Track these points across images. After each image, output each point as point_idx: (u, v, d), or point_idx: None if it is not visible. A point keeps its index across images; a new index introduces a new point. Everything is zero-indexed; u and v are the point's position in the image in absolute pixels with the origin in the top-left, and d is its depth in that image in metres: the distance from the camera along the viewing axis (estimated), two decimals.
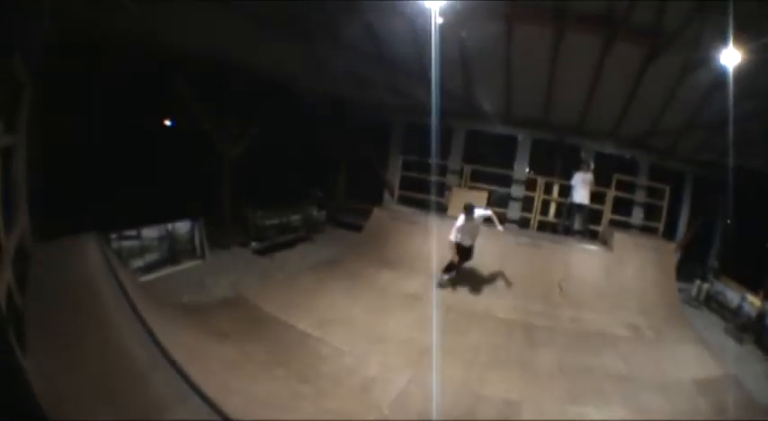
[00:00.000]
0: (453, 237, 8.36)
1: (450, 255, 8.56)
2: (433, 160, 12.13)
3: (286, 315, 7.26)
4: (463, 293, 8.65)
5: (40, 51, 5.29)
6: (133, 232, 8.55)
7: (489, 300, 8.48)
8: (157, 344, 4.38)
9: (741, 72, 8.09)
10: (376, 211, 11.52)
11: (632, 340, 7.56)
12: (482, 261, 9.25)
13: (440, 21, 8.14)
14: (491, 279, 9.07)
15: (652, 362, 6.83)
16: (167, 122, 13.10)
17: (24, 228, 5.07)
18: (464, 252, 8.64)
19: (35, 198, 5.64)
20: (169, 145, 12.07)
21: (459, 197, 11.59)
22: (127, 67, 8.70)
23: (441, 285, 8.75)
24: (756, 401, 6.03)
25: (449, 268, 8.80)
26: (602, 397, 5.69)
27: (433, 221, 10.36)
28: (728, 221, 11.43)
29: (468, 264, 9.05)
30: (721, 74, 8.33)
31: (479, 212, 8.59)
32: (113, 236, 8.00)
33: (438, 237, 9.42)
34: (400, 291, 8.52)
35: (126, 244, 8.29)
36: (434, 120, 9.56)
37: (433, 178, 12.41)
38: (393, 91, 11.91)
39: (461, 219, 8.34)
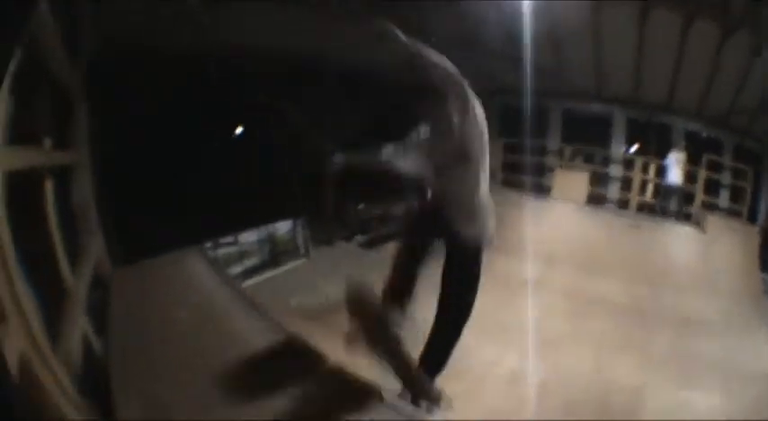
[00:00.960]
0: None
1: None
2: (531, 142, 11.72)
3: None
4: (578, 276, 9.06)
5: (91, 55, 4.91)
6: (230, 239, 8.11)
7: (602, 283, 8.95)
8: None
9: None
10: None
11: (726, 327, 8.12)
12: (591, 241, 9.84)
13: None
14: (600, 260, 9.48)
15: (744, 352, 7.40)
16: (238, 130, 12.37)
17: (100, 257, 4.64)
18: None
19: (111, 220, 5.28)
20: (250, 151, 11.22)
21: (562, 178, 11.95)
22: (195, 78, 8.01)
23: None
24: None
25: None
26: (707, 383, 6.45)
27: (538, 206, 10.65)
28: None
29: (579, 245, 9.67)
30: None
31: None
32: (208, 245, 7.65)
33: (546, 221, 10.05)
34: (517, 277, 8.54)
35: (222, 251, 7.92)
36: (528, 99, 9.46)
37: (535, 160, 12.37)
38: (486, 75, 12.25)
39: None
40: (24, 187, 3.53)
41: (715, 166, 12.07)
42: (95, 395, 3.17)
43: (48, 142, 4.02)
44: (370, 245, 10.49)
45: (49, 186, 3.81)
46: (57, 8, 3.92)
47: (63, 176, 4.25)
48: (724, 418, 5.91)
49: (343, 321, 6.56)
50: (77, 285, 3.73)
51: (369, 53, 10.46)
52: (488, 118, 13.16)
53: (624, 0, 9.45)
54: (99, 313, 4.03)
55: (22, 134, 3.63)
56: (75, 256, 4.00)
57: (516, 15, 8.56)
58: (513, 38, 9.71)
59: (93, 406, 3.06)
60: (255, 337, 4.41)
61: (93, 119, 4.89)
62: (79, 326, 3.42)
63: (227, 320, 4.65)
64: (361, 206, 10.53)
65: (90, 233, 4.52)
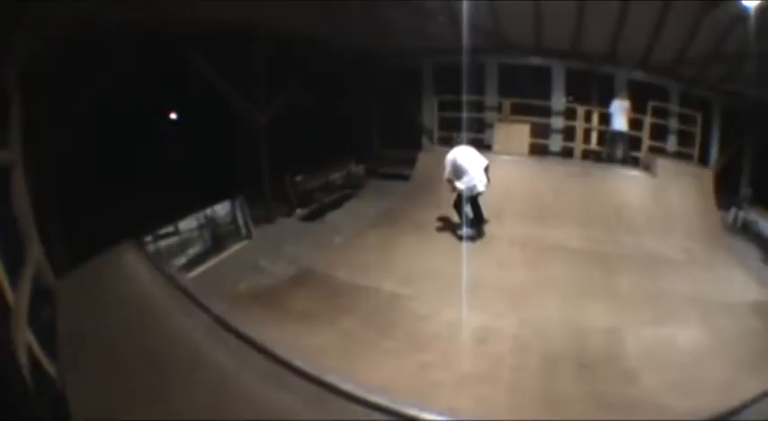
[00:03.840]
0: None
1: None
2: (468, 97, 12.12)
3: (365, 278, 7.05)
4: (530, 228, 8.89)
5: (23, 54, 4.65)
6: (170, 228, 7.76)
7: (556, 231, 8.80)
8: (247, 342, 3.70)
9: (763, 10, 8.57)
10: (421, 156, 11.44)
11: (690, 263, 8.09)
12: (537, 192, 9.60)
13: None
14: (551, 210, 9.34)
15: (711, 284, 7.34)
16: (173, 115, 12.37)
17: (40, 264, 4.33)
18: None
19: (47, 221, 5.13)
20: (193, 127, 11.59)
21: (502, 131, 11.95)
22: (130, 58, 7.94)
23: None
24: None
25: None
26: (682, 318, 6.24)
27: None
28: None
29: (526, 196, 9.43)
30: (744, 9, 8.79)
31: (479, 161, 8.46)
32: (148, 238, 7.25)
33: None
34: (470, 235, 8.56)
35: (163, 243, 7.57)
36: (465, 54, 9.61)
37: (472, 115, 12.52)
38: (419, 34, 11.83)
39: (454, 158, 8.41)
40: None
41: (661, 113, 12.20)
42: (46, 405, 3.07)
43: None
44: (312, 217, 10.51)
45: None
46: None
47: (3, 179, 4.12)
48: (707, 348, 5.67)
49: (298, 298, 6.57)
50: (19, 302, 3.52)
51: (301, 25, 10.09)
52: (425, 76, 13.11)
53: None
54: (45, 324, 3.83)
55: None
56: (15, 267, 3.79)
57: None
58: None
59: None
60: (197, 334, 3.96)
61: (26, 117, 4.65)
62: (23, 339, 3.24)
63: (167, 319, 4.20)
64: (298, 178, 10.62)
65: (28, 239, 4.30)
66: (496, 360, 5.26)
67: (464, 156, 8.37)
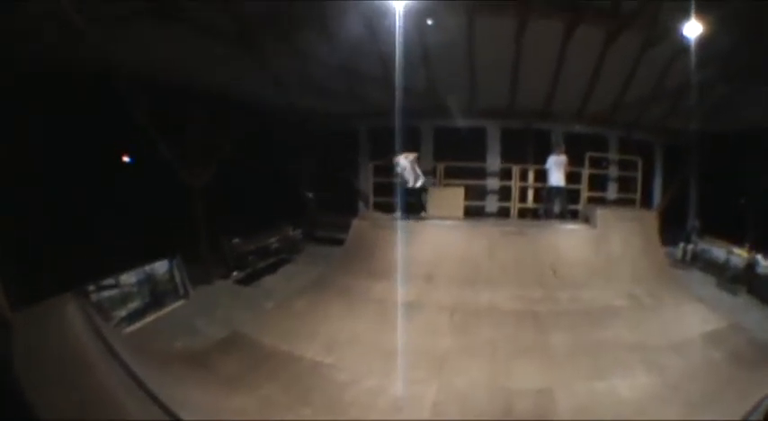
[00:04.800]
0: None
1: None
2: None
3: (290, 345, 7.03)
4: (462, 291, 8.53)
5: None
6: (111, 280, 8.02)
7: (489, 293, 8.43)
8: (165, 408, 4.04)
9: (702, 40, 8.72)
10: (356, 222, 11.21)
11: (634, 309, 7.79)
12: (471, 254, 9.25)
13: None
14: (485, 272, 8.99)
15: (658, 325, 7.11)
16: (126, 158, 12.51)
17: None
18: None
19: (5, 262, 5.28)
20: (133, 181, 11.50)
21: (436, 196, 11.71)
22: (77, 98, 8.34)
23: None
24: (765, 343, 6.52)
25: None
26: (624, 367, 5.88)
27: (414, 225, 10.26)
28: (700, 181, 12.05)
29: (459, 259, 9.18)
30: (682, 44, 8.97)
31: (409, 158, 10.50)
32: (91, 288, 7.58)
33: (424, 239, 9.59)
34: (398, 301, 8.24)
35: (105, 294, 7.84)
36: (398, 120, 9.86)
37: None
38: (355, 97, 12.03)
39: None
40: None
41: (599, 162, 12.25)
42: None
43: None
44: (247, 281, 10.37)
45: None
46: None
47: None
48: (653, 394, 5.35)
49: (225, 362, 6.50)
50: None
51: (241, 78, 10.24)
52: (361, 139, 13.19)
53: (499, 15, 9.55)
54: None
55: None
56: None
57: (389, 40, 8.78)
58: (385, 62, 10.06)
59: None
60: (119, 390, 4.07)
61: None
62: None
63: (93, 372, 4.20)
64: (235, 241, 10.52)
65: None
66: None
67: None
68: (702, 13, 8.32)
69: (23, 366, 3.81)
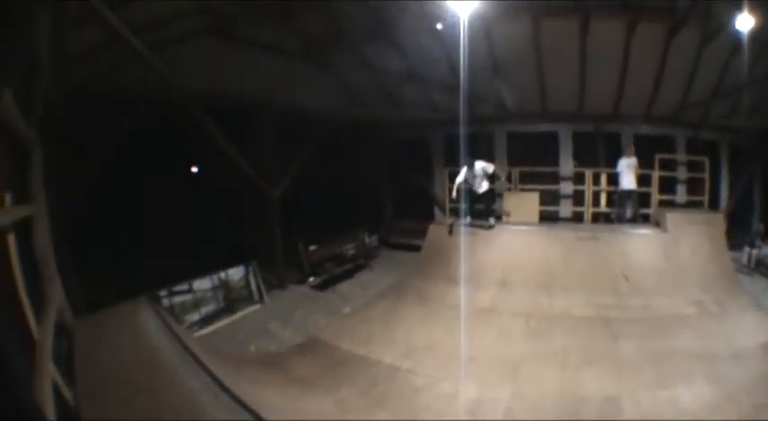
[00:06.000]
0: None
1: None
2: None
3: (367, 350, 7.36)
4: (537, 297, 8.94)
5: (39, 109, 5.04)
6: (184, 286, 8.52)
7: (563, 300, 8.81)
8: (248, 409, 4.10)
9: (756, 34, 9.01)
10: (432, 228, 11.66)
11: (700, 317, 8.06)
12: (547, 259, 9.67)
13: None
14: (560, 278, 9.37)
15: (721, 334, 7.35)
16: (194, 169, 13.08)
17: (61, 306, 4.66)
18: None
19: (68, 269, 5.42)
20: (205, 192, 12.09)
21: (511, 201, 12.11)
22: (147, 119, 8.62)
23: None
24: None
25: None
26: (687, 377, 6.21)
27: (489, 231, 10.70)
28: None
29: (535, 265, 9.60)
30: (738, 39, 9.26)
31: (481, 165, 10.70)
32: (163, 293, 8.06)
33: (500, 244, 10.03)
34: (475, 307, 8.70)
35: (178, 299, 8.34)
36: (463, 127, 10.14)
37: None
38: (428, 106, 12.65)
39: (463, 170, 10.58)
40: None
41: (669, 164, 12.41)
42: None
43: (9, 197, 4.02)
44: (323, 286, 11.00)
45: (11, 239, 3.85)
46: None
47: (25, 226, 4.33)
48: (713, 405, 5.63)
49: (301, 365, 6.98)
50: (43, 339, 3.74)
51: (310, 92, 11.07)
52: (434, 146, 13.68)
53: (563, 16, 9.99)
54: (65, 361, 4.07)
55: None
56: (39, 306, 4.06)
57: (456, 49, 9.14)
58: (455, 70, 10.57)
59: None
60: (198, 392, 4.22)
61: (49, 169, 5.01)
62: (47, 375, 3.41)
63: (171, 375, 4.42)
64: (312, 248, 11.28)
65: (50, 284, 4.52)
66: None
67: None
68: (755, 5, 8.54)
69: (94, 373, 4.03)
